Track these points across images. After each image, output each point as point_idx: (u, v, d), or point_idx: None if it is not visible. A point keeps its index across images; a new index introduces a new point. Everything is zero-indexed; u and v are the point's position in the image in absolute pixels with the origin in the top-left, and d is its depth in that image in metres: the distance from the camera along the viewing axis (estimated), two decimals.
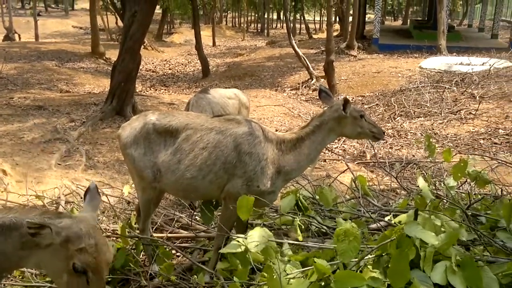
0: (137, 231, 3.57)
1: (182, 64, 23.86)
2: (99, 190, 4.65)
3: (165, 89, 17.24)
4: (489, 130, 8.86)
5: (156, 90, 17.07)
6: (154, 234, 3.81)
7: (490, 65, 13.82)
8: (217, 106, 5.87)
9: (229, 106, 6.16)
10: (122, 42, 10.78)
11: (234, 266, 2.78)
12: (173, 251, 3.68)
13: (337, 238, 2.50)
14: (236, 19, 55.62)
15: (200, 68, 20.06)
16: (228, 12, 57.18)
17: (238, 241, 2.56)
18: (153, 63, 23.35)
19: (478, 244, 2.91)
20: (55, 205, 4.91)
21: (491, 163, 4.87)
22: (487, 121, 9.40)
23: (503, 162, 4.99)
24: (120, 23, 17.46)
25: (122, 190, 4.48)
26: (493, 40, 23.45)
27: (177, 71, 21.82)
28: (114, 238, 3.76)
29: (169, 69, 22.42)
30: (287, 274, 2.53)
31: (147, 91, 16.46)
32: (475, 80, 12.60)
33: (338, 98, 13.50)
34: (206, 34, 32.57)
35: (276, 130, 9.48)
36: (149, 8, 10.12)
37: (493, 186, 3.87)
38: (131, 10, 10.22)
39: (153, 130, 3.10)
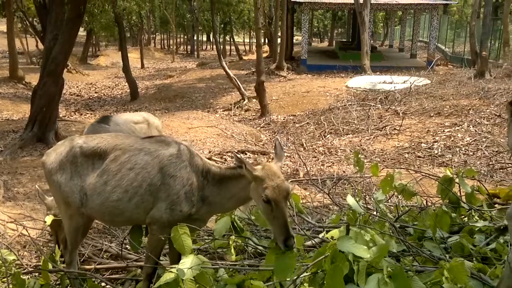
0: (62, 265, 3.33)
1: (109, 87, 23.25)
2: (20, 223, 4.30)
3: (91, 113, 16.62)
4: (413, 144, 9.38)
5: (81, 114, 16.42)
6: (82, 267, 3.59)
7: (410, 83, 14.81)
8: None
9: (137, 131, 5.90)
10: (43, 65, 10.26)
11: None
12: (103, 284, 3.50)
13: (273, 256, 2.48)
14: (165, 41, 55.30)
15: (129, 90, 19.62)
16: (157, 34, 56.75)
17: (170, 271, 2.49)
18: (77, 87, 22.55)
19: (407, 254, 3.00)
20: None
21: (415, 176, 5.11)
22: (410, 136, 9.95)
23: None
24: (41, 46, 16.66)
25: (44, 221, 4.17)
26: (412, 60, 25.16)
27: (104, 94, 21.19)
28: (37, 274, 3.49)
29: (95, 92, 21.74)
30: None
31: (72, 116, 15.79)
32: (397, 97, 13.38)
33: (270, 118, 13.60)
34: (134, 56, 32.07)
35: (209, 152, 9.42)
36: (71, 30, 9.72)
37: (418, 198, 4.04)
38: (53, 32, 9.79)
39: (80, 153, 3.01)
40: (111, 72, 28.89)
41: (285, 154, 9.59)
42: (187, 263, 2.55)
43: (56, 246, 3.74)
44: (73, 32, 9.89)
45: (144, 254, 3.71)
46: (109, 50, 41.20)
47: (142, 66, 31.71)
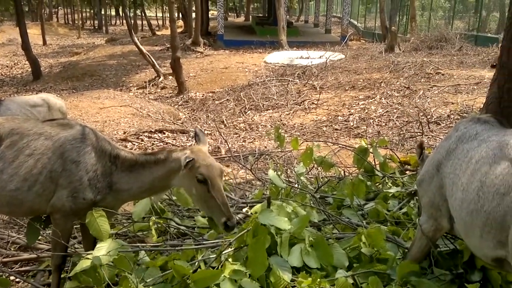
0: None
1: (7, 66, 21.48)
2: None
3: None
4: (330, 117, 9.70)
5: None
6: None
7: (326, 58, 15.25)
8: None
9: (35, 116, 5.41)
10: None
11: (85, 283, 2.54)
12: (12, 277, 3.26)
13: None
14: (69, 16, 51.75)
15: (30, 69, 18.18)
16: (59, 8, 52.95)
17: (87, 258, 2.35)
18: None
19: (328, 223, 3.10)
20: None
21: (333, 148, 5.30)
22: (327, 109, 10.28)
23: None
24: None
25: None
26: (327, 35, 25.87)
27: (2, 74, 19.53)
28: None
29: None
30: (146, 282, 2.40)
31: None
32: (314, 72, 13.75)
33: (188, 95, 13.32)
34: (34, 32, 29.79)
35: (124, 132, 9.02)
36: None
37: (337, 169, 4.18)
38: None
39: None
40: (8, 49, 26.57)
41: (206, 131, 9.50)
42: (104, 248, 2.42)
43: None
44: None
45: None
46: (5, 25, 37.56)
47: (44, 43, 29.48)
